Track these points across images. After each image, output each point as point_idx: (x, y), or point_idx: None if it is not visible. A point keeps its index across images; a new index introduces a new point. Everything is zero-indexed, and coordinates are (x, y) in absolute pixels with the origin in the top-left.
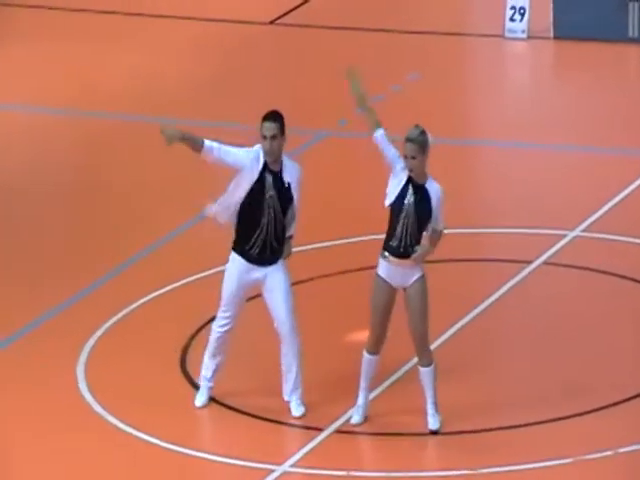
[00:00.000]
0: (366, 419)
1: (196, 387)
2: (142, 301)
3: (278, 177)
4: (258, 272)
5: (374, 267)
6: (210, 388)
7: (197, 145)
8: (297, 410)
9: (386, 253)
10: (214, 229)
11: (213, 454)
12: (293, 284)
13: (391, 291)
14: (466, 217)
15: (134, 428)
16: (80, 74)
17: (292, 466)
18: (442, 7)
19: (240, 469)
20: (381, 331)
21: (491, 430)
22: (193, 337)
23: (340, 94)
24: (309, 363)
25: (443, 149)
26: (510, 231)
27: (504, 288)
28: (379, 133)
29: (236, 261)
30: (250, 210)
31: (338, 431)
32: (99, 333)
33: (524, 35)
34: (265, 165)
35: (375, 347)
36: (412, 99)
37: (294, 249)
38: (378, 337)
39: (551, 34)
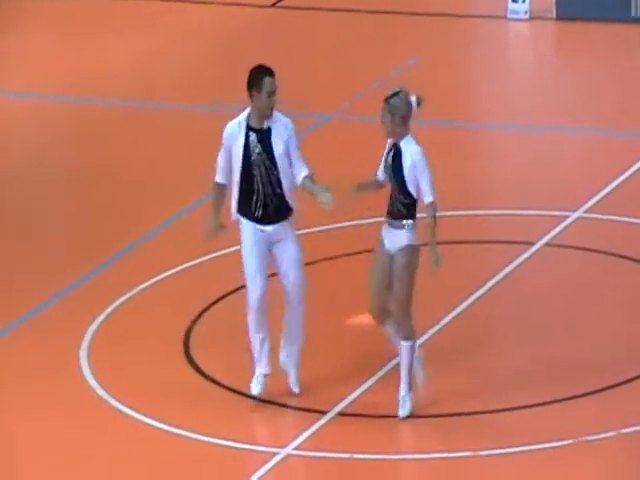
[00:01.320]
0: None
1: (199, 371)
2: (143, 286)
3: (263, 133)
4: (268, 227)
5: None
6: (263, 376)
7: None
8: (294, 387)
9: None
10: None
11: (216, 437)
12: None
13: (388, 255)
14: (468, 199)
15: (138, 412)
16: (84, 61)
17: (295, 449)
18: None
19: (243, 452)
20: (379, 298)
21: (492, 412)
22: (195, 321)
23: (343, 77)
24: (311, 345)
25: (445, 131)
26: (512, 212)
27: (506, 270)
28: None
29: (246, 224)
30: (244, 176)
31: (341, 414)
32: (101, 318)
33: (526, 16)
34: (248, 126)
35: (376, 316)
36: (414, 81)
37: (301, 231)
38: (376, 304)
39: (553, 15)
